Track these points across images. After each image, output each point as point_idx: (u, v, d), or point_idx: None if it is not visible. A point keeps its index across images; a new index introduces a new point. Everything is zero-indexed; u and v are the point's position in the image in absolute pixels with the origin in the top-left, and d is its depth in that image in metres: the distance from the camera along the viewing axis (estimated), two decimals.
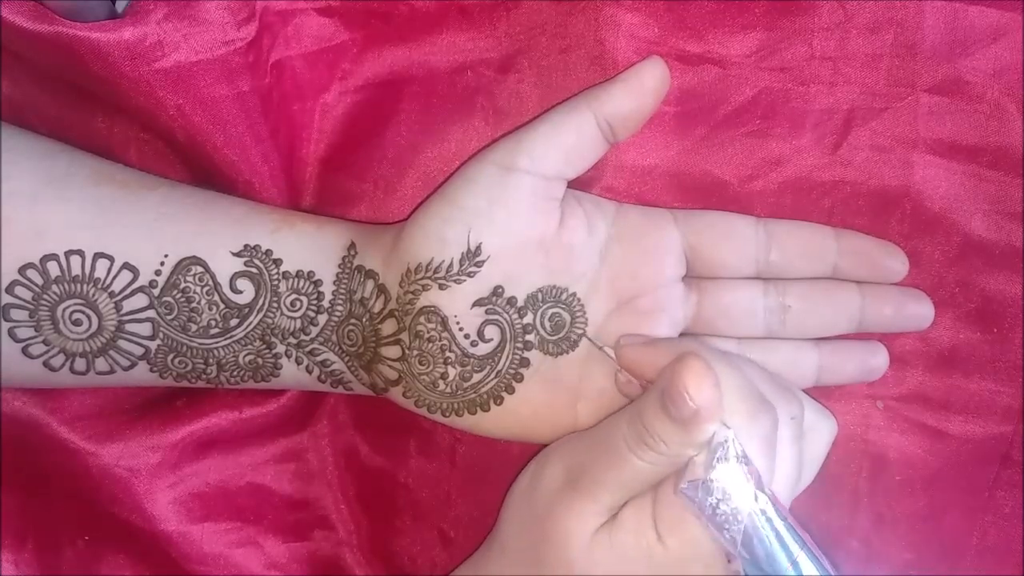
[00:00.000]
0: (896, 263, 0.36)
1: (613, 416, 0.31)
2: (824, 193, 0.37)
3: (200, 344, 0.34)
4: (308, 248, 0.34)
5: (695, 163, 0.37)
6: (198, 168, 0.37)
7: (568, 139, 0.33)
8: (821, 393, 0.38)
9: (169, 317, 0.33)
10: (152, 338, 0.33)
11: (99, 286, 0.32)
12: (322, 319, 0.34)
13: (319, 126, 0.38)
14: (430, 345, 0.33)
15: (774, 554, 0.28)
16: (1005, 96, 0.35)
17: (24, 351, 0.33)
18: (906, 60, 0.36)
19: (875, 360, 0.37)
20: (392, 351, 0.33)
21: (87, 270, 0.32)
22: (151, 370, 0.34)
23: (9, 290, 0.32)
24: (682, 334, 0.35)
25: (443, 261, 0.32)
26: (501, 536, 0.33)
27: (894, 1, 0.35)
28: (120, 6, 0.36)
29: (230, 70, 0.34)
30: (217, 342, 0.34)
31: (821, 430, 0.33)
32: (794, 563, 0.28)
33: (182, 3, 0.33)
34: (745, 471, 0.28)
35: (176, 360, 0.34)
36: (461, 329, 0.33)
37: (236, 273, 0.33)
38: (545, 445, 0.34)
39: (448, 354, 0.33)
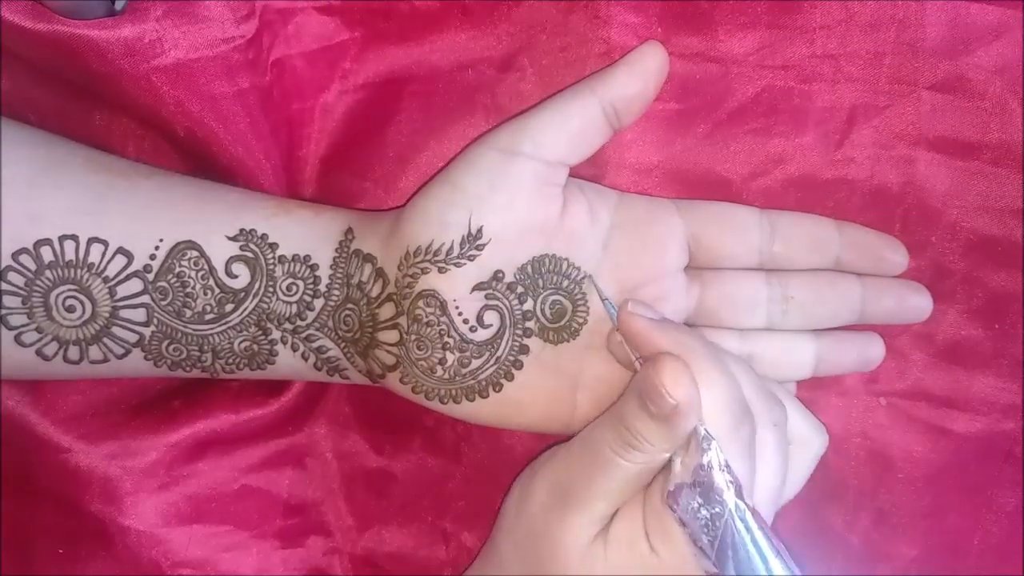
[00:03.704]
0: (897, 256, 0.36)
1: (592, 425, 0.31)
2: (827, 191, 0.37)
3: (195, 330, 0.33)
4: (305, 232, 0.34)
5: (697, 161, 0.37)
6: (198, 165, 0.37)
7: (572, 124, 0.33)
8: (823, 386, 0.38)
9: (164, 302, 0.33)
10: (146, 324, 0.33)
11: (93, 271, 0.32)
12: (318, 304, 0.34)
13: (320, 125, 0.38)
14: (429, 330, 0.33)
15: (749, 562, 0.28)
16: (1007, 93, 0.35)
17: (17, 339, 0.32)
18: (908, 57, 0.36)
19: (872, 351, 0.37)
20: (390, 336, 0.33)
21: (81, 255, 0.32)
22: (146, 358, 0.34)
23: (2, 276, 0.32)
24: (684, 324, 0.35)
25: (443, 244, 0.32)
26: (499, 551, 0.33)
27: None
28: (119, 4, 0.35)
29: (230, 67, 0.34)
30: (212, 328, 0.33)
31: (810, 443, 0.33)
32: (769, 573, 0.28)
33: (181, 1, 0.33)
34: (726, 479, 0.28)
35: (171, 347, 0.33)
36: (460, 314, 0.33)
37: (232, 257, 0.33)
38: (545, 435, 0.33)
39: (447, 339, 0.33)
